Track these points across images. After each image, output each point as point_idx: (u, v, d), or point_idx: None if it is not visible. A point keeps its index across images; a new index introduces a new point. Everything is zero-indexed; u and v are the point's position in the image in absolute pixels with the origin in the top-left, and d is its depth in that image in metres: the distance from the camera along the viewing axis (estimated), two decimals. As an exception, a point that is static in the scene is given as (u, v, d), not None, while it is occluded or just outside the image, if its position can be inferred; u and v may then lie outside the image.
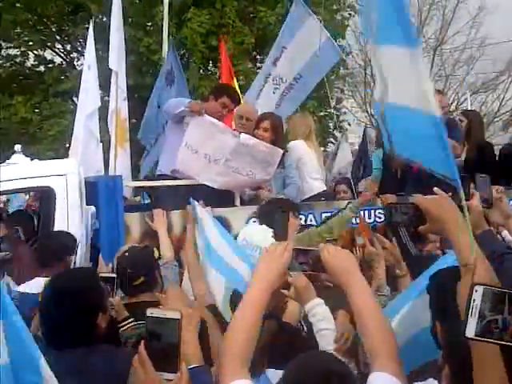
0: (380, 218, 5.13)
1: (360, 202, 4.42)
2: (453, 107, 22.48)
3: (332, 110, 18.27)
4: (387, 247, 3.65)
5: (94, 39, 6.42)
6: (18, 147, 10.00)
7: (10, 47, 16.59)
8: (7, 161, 9.09)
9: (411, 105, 1.99)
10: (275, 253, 1.92)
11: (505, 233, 5.09)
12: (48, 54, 17.10)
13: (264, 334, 2.06)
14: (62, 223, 4.42)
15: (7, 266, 4.08)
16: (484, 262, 1.67)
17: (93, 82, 6.03)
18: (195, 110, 4.85)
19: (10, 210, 7.50)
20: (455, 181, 1.86)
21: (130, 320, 2.85)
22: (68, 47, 17.30)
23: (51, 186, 4.56)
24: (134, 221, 4.67)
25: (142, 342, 1.60)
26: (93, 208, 4.52)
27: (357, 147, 11.89)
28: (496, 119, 21.83)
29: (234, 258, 2.93)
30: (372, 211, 5.12)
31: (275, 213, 3.92)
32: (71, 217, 4.46)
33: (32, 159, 9.50)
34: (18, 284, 3.76)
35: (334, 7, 16.91)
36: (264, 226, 3.29)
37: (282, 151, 5.08)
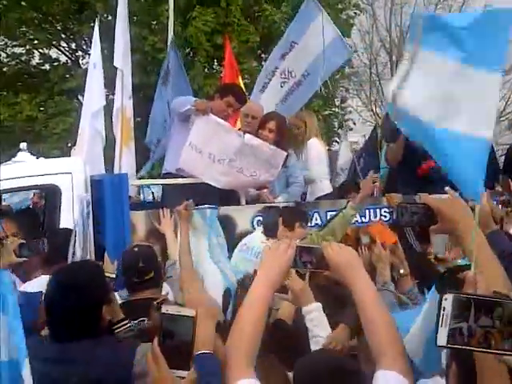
0: (385, 216, 5.11)
1: (360, 199, 4.37)
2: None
3: (337, 109, 18.28)
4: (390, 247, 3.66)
5: (100, 38, 6.41)
6: (23, 145, 10.02)
7: (16, 45, 16.62)
8: (13, 159, 9.11)
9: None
10: (279, 250, 1.91)
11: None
12: (53, 53, 17.14)
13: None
14: (68, 221, 4.44)
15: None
16: (496, 265, 1.67)
17: (98, 81, 6.03)
18: (201, 108, 4.85)
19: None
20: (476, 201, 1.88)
21: (124, 322, 2.86)
22: (73, 46, 17.32)
23: (57, 183, 4.58)
24: (139, 219, 4.67)
25: (156, 338, 1.60)
26: (88, 196, 4.47)
27: (362, 146, 11.85)
28: (502, 119, 21.76)
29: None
30: (377, 210, 5.11)
31: (268, 211, 3.96)
32: (77, 215, 4.46)
33: (38, 157, 9.52)
34: (24, 282, 3.77)
35: (340, 6, 16.90)
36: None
37: (285, 153, 5.08)
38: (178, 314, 1.60)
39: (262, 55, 16.86)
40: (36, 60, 16.90)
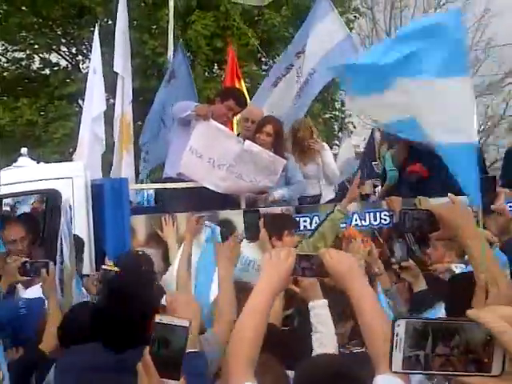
0: (385, 220, 5.11)
1: (347, 201, 4.37)
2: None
3: (337, 113, 18.28)
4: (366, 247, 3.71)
5: (100, 43, 6.43)
6: (24, 150, 9.99)
7: (16, 50, 16.65)
8: (14, 164, 9.11)
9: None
10: (279, 258, 1.93)
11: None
12: (53, 57, 17.18)
13: None
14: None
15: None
16: (505, 278, 1.66)
17: (98, 86, 6.04)
18: (201, 114, 4.86)
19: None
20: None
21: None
22: (73, 50, 17.35)
23: (57, 188, 4.58)
24: (139, 223, 4.68)
25: (148, 347, 1.61)
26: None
27: (362, 149, 11.89)
28: (501, 121, 21.76)
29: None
30: (377, 214, 5.11)
31: (248, 215, 3.95)
32: (77, 219, 4.47)
33: (38, 162, 9.51)
34: (26, 288, 3.77)
35: (339, 9, 16.88)
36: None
37: (284, 161, 5.08)
38: (171, 323, 1.60)
39: (262, 59, 16.90)
40: (36, 65, 16.93)
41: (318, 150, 5.78)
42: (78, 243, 3.87)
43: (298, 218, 4.80)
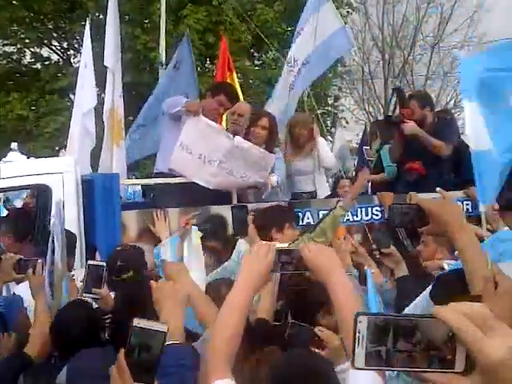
0: (377, 215, 5.12)
1: (351, 197, 4.37)
2: (451, 105, 22.53)
3: (330, 108, 18.29)
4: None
5: (91, 37, 6.39)
6: (14, 145, 9.99)
7: (7, 44, 16.54)
8: (3, 159, 9.07)
9: None
10: (259, 255, 1.93)
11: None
12: (45, 52, 17.08)
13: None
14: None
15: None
16: (505, 278, 1.66)
17: (89, 81, 6.01)
18: (192, 110, 4.85)
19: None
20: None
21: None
22: (65, 45, 17.26)
23: (48, 183, 4.55)
24: (130, 219, 4.66)
25: (122, 350, 1.59)
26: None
27: (355, 145, 11.92)
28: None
29: None
30: (369, 209, 5.12)
31: (236, 210, 3.93)
32: (68, 215, 4.44)
33: (28, 157, 9.48)
34: (18, 283, 3.73)
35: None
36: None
37: (274, 156, 5.11)
38: (149, 328, 1.59)
39: (255, 54, 16.87)
40: (27, 59, 16.85)
41: (313, 147, 5.78)
42: (70, 239, 3.84)
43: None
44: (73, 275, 3.51)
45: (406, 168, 5.54)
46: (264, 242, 2.13)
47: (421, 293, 2.18)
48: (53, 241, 3.30)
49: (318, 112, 16.82)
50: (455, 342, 0.93)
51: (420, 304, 2.18)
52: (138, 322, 1.58)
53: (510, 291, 1.63)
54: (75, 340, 2.70)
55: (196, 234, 4.08)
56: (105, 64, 5.50)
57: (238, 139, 4.96)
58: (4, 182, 4.64)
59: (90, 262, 3.30)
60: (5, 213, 7.23)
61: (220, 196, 5.05)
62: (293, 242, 3.61)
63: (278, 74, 9.25)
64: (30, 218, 4.94)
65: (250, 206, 4.52)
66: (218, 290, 2.97)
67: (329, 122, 17.77)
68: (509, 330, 0.92)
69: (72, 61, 17.01)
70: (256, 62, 17.06)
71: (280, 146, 5.91)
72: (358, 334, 0.97)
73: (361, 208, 5.10)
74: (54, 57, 17.23)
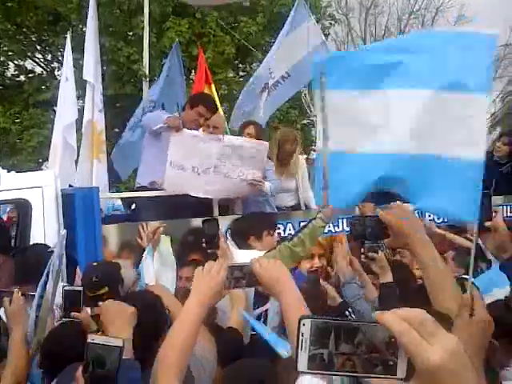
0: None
1: (331, 209, 4.37)
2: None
3: (314, 119, 18.38)
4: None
5: (74, 49, 6.40)
6: (-6, 159, 9.90)
7: (-10, 57, 16.48)
8: (-16, 173, 8.98)
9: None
10: (211, 272, 1.96)
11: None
12: (28, 64, 17.01)
13: None
14: (39, 236, 4.39)
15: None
16: (480, 303, 1.67)
17: (70, 94, 6.01)
18: (173, 125, 4.85)
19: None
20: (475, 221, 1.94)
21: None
22: (48, 57, 17.23)
23: (27, 198, 4.52)
24: (111, 232, 4.65)
25: (81, 367, 1.60)
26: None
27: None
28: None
29: None
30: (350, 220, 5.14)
31: (207, 223, 3.93)
32: (48, 229, 4.42)
33: (9, 171, 9.40)
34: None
35: (315, 16, 17.05)
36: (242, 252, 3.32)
37: (267, 144, 5.10)
38: (105, 343, 1.59)
39: (239, 65, 16.94)
40: (11, 71, 16.76)
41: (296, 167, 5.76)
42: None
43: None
44: None
45: None
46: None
47: (403, 301, 2.18)
48: (47, 275, 3.14)
49: (303, 122, 17.01)
50: (397, 348, 0.93)
51: None
52: (93, 338, 1.59)
53: (485, 320, 1.63)
54: (67, 360, 2.67)
55: (164, 240, 4.09)
56: (84, 77, 5.51)
57: (227, 137, 4.97)
58: (-17, 197, 4.61)
59: (65, 287, 3.25)
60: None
61: (201, 208, 5.05)
62: (269, 250, 3.62)
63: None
64: (10, 232, 4.91)
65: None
66: None
67: (313, 133, 17.87)
68: (448, 336, 0.92)
69: (56, 73, 16.96)
70: (240, 73, 17.13)
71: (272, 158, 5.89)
72: (301, 337, 0.97)
73: (342, 219, 5.13)
74: (38, 69, 17.19)
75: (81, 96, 6.74)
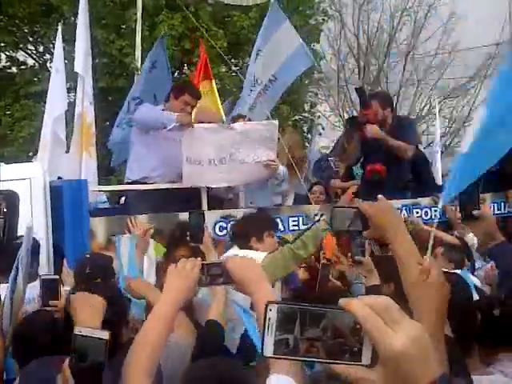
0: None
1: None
2: (425, 112, 22.79)
3: (306, 114, 18.37)
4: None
5: (66, 41, 6.38)
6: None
7: (-19, 48, 16.35)
8: (-27, 165, 8.93)
9: None
10: (184, 270, 1.96)
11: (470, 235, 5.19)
12: (20, 56, 16.89)
13: None
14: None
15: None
16: (437, 269, 1.70)
17: (60, 86, 5.99)
18: (185, 122, 4.87)
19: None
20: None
21: None
22: (41, 49, 17.10)
23: (15, 189, 4.51)
24: (99, 226, 4.65)
25: (67, 359, 1.60)
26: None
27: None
28: (466, 124, 22.15)
29: None
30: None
31: (192, 217, 3.91)
32: (35, 221, 4.41)
33: (-1, 162, 9.35)
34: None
35: (308, 12, 17.05)
36: (244, 252, 3.32)
37: (276, 122, 5.20)
38: (90, 335, 1.60)
39: (232, 60, 16.88)
40: (3, 63, 16.64)
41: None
42: (33, 246, 3.80)
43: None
44: None
45: (368, 170, 5.62)
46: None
47: (394, 296, 2.20)
48: (17, 268, 3.10)
49: (295, 118, 17.00)
50: (362, 335, 0.94)
51: None
52: (79, 330, 1.60)
53: (441, 283, 1.68)
54: (39, 349, 2.67)
55: (153, 248, 4.10)
56: (75, 70, 5.50)
57: (236, 124, 5.11)
58: (-29, 189, 4.59)
59: (43, 276, 3.25)
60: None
61: (190, 202, 5.06)
62: (271, 252, 3.57)
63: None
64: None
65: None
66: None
67: (305, 129, 17.88)
68: (412, 323, 0.93)
69: (48, 65, 16.83)
70: (233, 68, 17.09)
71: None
72: (267, 322, 0.97)
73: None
74: (30, 61, 17.07)
75: (72, 88, 6.70)
